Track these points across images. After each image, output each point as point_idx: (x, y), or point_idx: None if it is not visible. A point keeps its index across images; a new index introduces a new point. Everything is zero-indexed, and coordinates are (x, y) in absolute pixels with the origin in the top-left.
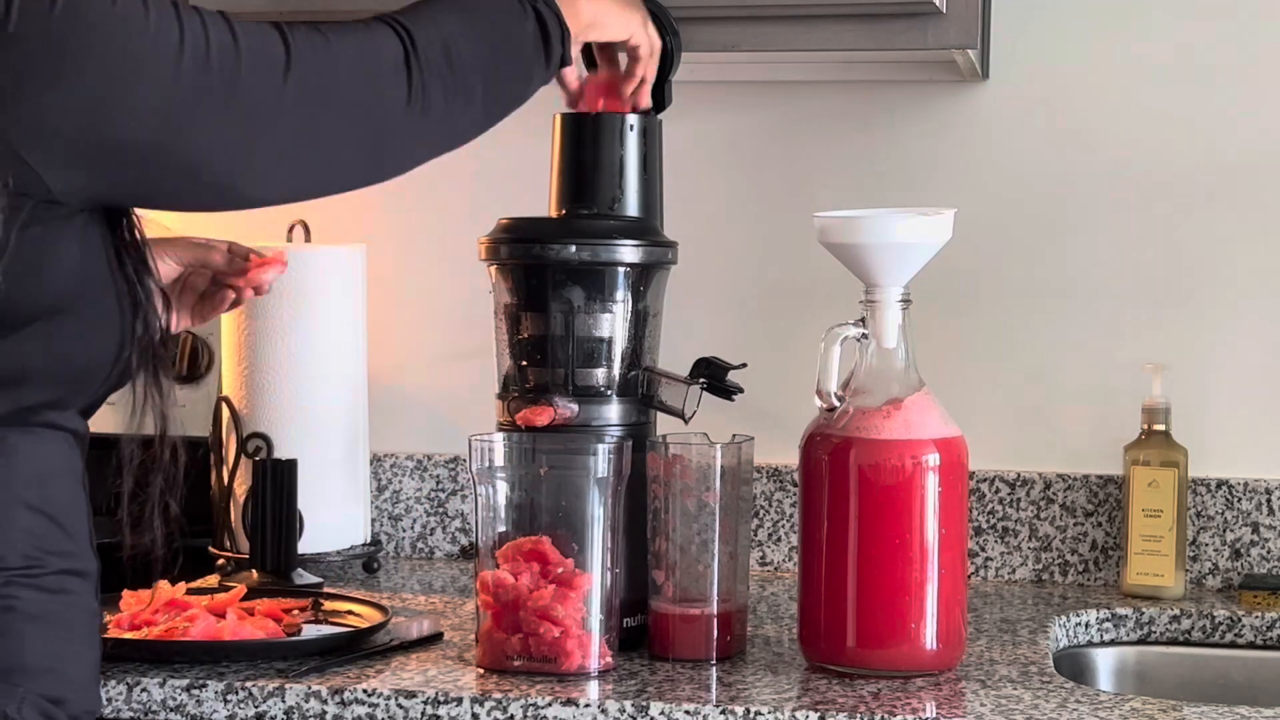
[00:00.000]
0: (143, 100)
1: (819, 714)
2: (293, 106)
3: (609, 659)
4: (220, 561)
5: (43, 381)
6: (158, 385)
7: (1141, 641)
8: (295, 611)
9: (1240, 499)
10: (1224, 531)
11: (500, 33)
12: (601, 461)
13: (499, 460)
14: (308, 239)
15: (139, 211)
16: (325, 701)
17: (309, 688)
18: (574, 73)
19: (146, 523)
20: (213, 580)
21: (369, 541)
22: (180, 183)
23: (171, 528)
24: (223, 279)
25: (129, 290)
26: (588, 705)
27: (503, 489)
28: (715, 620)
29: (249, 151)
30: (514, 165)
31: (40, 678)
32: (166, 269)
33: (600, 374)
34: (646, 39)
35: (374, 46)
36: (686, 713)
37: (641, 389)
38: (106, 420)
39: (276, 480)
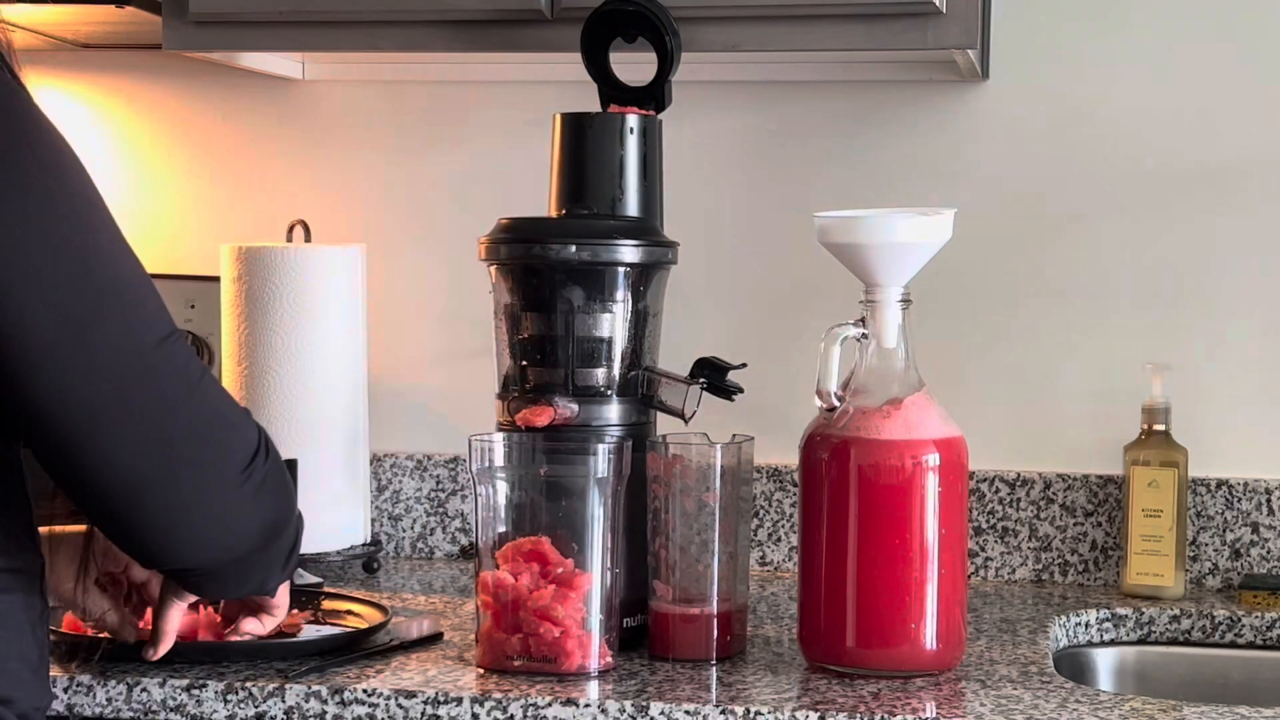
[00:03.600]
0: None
1: (819, 714)
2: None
3: (609, 659)
4: None
5: None
6: None
7: (1141, 641)
8: (295, 612)
9: (1240, 499)
10: (1224, 531)
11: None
12: (601, 461)
13: (499, 460)
14: (308, 239)
15: None
16: (325, 701)
17: (309, 688)
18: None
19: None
20: None
21: (369, 541)
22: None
23: None
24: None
25: None
26: (588, 705)
27: (503, 489)
28: (715, 620)
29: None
30: (514, 165)
31: None
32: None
33: (600, 374)
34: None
35: (231, 412)
36: (686, 713)
37: (641, 389)
38: None
39: None
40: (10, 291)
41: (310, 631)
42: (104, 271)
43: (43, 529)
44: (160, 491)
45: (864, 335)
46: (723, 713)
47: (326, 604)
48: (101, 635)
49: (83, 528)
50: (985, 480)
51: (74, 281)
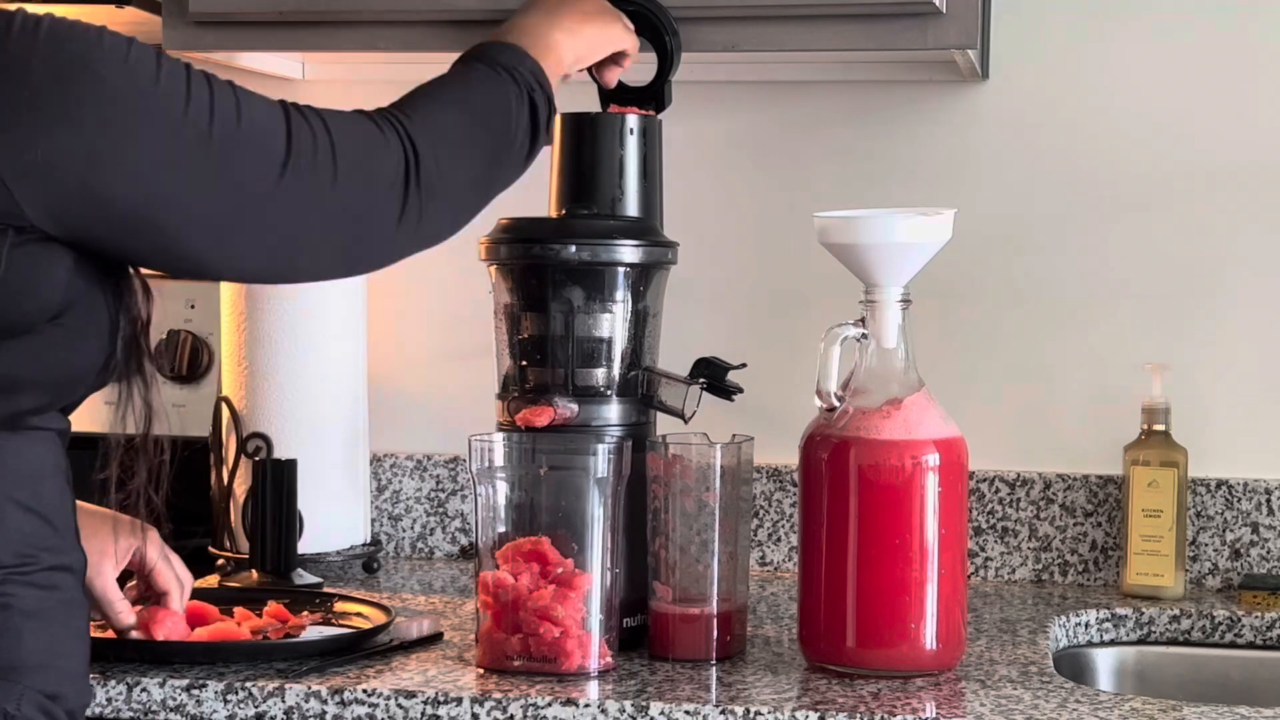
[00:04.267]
0: (134, 163)
1: (819, 714)
2: (282, 201)
3: (609, 659)
4: (220, 562)
5: (35, 389)
6: (142, 376)
7: (1141, 641)
8: (305, 614)
9: (1240, 499)
10: (1224, 531)
11: (498, 136)
12: (601, 461)
13: (499, 460)
14: None
15: None
16: (325, 701)
17: (309, 688)
18: None
19: (130, 514)
20: (213, 580)
21: (369, 541)
22: (155, 249)
23: (155, 520)
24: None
25: (114, 287)
26: (588, 705)
27: (503, 489)
28: (715, 620)
29: (228, 235)
30: None
31: (37, 673)
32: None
33: (600, 374)
34: (630, 42)
35: (376, 157)
36: (686, 713)
37: (641, 389)
38: (95, 415)
39: (276, 480)
40: (165, 193)
41: (311, 632)
42: (213, 126)
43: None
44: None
45: (864, 335)
46: (723, 713)
47: (339, 605)
48: (103, 636)
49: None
50: (985, 480)
51: (202, 152)
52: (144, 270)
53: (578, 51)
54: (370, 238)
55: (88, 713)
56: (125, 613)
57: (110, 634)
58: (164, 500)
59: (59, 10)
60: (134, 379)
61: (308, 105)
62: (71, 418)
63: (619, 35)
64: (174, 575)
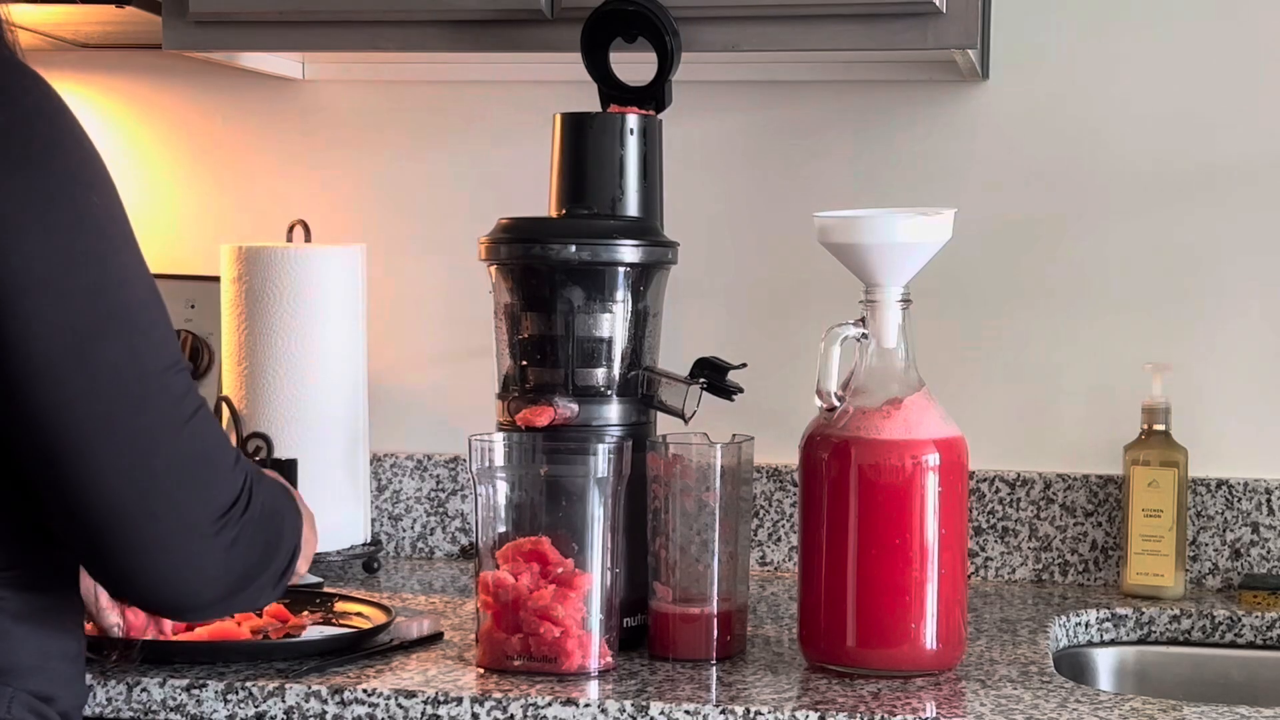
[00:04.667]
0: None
1: (819, 714)
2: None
3: (609, 659)
4: None
5: None
6: None
7: (1141, 641)
8: (305, 614)
9: (1240, 499)
10: (1224, 531)
11: (277, 556)
12: (601, 461)
13: (499, 460)
14: (308, 239)
15: None
16: (325, 701)
17: (309, 688)
18: None
19: None
20: None
21: (369, 541)
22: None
23: None
24: None
25: None
26: (588, 705)
27: (503, 489)
28: (715, 620)
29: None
30: (514, 165)
31: (30, 676)
32: None
33: (600, 374)
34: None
35: (220, 457)
36: (686, 713)
37: (641, 389)
38: None
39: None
40: (22, 297)
41: (311, 632)
42: (119, 292)
43: None
44: (134, 525)
45: (864, 335)
46: (723, 713)
47: (339, 605)
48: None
49: None
50: (985, 480)
51: (87, 296)
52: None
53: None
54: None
55: (86, 712)
56: (109, 608)
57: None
58: None
59: (58, 10)
60: None
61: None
62: None
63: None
64: None
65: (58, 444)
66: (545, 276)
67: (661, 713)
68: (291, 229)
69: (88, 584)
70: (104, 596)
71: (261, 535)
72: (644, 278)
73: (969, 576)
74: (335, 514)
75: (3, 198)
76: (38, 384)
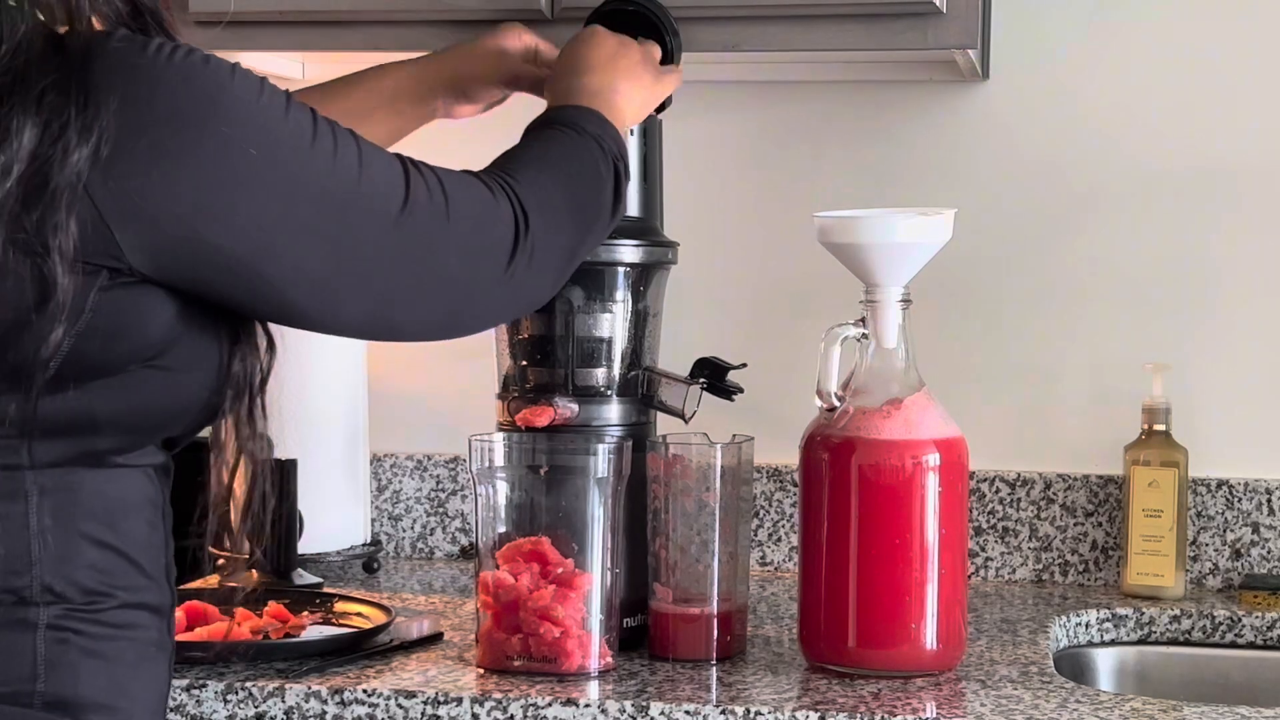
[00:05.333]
0: (248, 215)
1: (819, 714)
2: (392, 260)
3: (609, 659)
4: (220, 562)
5: (114, 430)
6: (250, 424)
7: (1141, 641)
8: (305, 614)
9: (1240, 499)
10: (1224, 531)
11: (593, 206)
12: (601, 461)
13: (499, 460)
14: None
15: None
16: (325, 701)
17: (309, 688)
18: None
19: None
20: (213, 581)
21: (369, 541)
22: (256, 298)
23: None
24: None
25: (230, 334)
26: (588, 705)
27: (503, 489)
28: (715, 620)
29: (334, 292)
30: None
31: (95, 712)
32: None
33: (600, 374)
34: (675, 85)
35: (488, 220)
36: (686, 713)
37: (641, 389)
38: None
39: (276, 480)
40: (276, 246)
41: (311, 631)
42: (334, 180)
43: None
44: (445, 320)
45: (864, 335)
46: (723, 713)
47: (339, 605)
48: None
49: None
50: (985, 480)
51: (319, 205)
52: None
53: (637, 112)
54: (475, 300)
55: None
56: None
57: None
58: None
59: None
60: (241, 426)
61: (424, 162)
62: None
63: (667, 85)
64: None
65: (244, 263)
66: None
67: (661, 713)
68: None
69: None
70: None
71: (565, 220)
72: (644, 278)
73: (969, 577)
74: (335, 514)
75: (186, 186)
76: (316, 295)
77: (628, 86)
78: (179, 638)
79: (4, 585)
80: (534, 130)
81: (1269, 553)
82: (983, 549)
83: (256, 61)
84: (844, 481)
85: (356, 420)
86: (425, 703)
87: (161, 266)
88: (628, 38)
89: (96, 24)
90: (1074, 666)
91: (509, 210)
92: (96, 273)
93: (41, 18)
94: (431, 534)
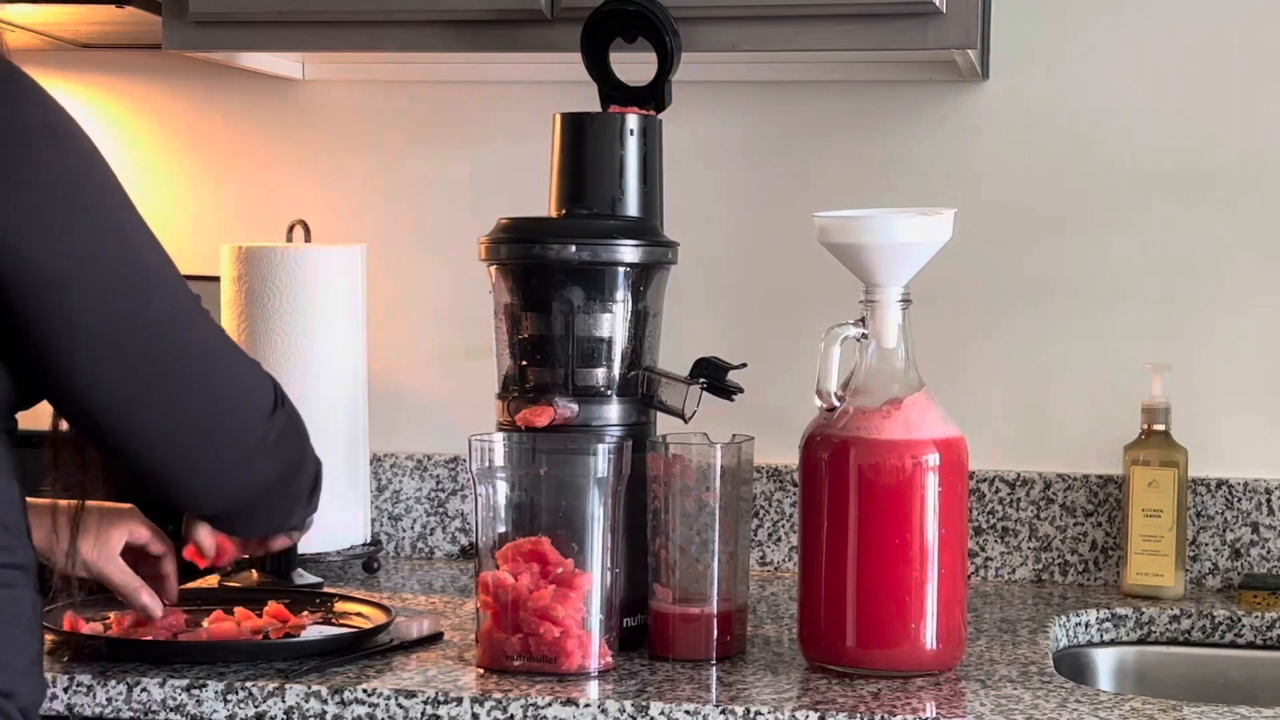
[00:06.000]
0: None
1: (819, 714)
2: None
3: (609, 659)
4: None
5: None
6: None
7: (1141, 641)
8: (305, 614)
9: (1240, 499)
10: (1224, 531)
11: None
12: (601, 461)
13: (499, 460)
14: (308, 239)
15: None
16: (325, 701)
17: (309, 688)
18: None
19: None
20: (213, 580)
21: (369, 541)
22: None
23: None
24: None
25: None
26: (588, 705)
27: (503, 489)
28: (715, 620)
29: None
30: (514, 165)
31: None
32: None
33: (600, 374)
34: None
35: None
36: (686, 713)
37: (641, 389)
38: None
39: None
40: (68, 288)
41: (311, 631)
42: (144, 255)
43: (40, 501)
44: (194, 454)
45: (864, 335)
46: (723, 713)
47: (339, 605)
48: (102, 635)
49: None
50: (985, 480)
51: (122, 269)
52: None
53: None
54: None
55: (88, 712)
56: (154, 604)
57: (121, 631)
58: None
59: (58, 10)
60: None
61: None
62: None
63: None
64: (166, 543)
65: (119, 414)
66: (545, 276)
67: (661, 713)
68: (291, 229)
69: (124, 575)
70: (143, 588)
71: (296, 428)
72: (644, 278)
73: (969, 576)
74: (335, 514)
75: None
76: (98, 362)
77: None
78: (179, 639)
79: None
80: None
81: (1268, 552)
82: (982, 549)
83: (257, 61)
84: (844, 481)
85: (356, 420)
86: (425, 702)
87: None
88: None
89: None
90: (1074, 666)
91: (269, 379)
92: None
93: None
94: (431, 534)
